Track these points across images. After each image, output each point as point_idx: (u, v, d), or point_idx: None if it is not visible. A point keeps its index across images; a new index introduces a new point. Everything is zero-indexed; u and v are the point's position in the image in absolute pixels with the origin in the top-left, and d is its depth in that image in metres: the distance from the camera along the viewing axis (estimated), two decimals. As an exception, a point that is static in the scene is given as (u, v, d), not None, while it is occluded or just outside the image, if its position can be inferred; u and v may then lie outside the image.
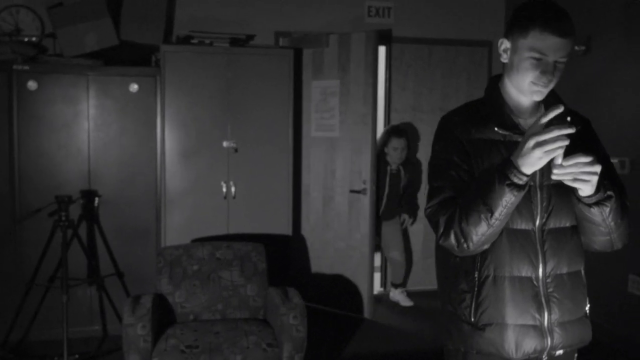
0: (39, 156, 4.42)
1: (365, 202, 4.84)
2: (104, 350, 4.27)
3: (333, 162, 5.05)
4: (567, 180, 1.52)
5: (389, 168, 5.21)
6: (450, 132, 1.75)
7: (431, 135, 5.56)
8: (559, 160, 1.48)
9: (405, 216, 5.41)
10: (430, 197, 1.74)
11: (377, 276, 5.65)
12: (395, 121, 5.58)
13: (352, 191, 4.92)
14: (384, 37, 5.46)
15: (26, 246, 4.38)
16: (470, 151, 1.70)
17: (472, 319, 1.72)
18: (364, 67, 4.76)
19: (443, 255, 1.81)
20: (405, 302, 5.36)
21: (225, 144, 4.67)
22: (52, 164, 4.45)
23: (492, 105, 1.75)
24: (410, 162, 5.40)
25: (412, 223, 5.62)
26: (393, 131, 5.22)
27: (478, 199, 1.58)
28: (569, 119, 1.52)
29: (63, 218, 3.90)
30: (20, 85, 4.34)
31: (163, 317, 3.45)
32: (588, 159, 1.48)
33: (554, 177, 1.51)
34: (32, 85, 4.37)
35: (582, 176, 1.50)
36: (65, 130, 4.46)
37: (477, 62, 5.72)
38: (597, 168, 1.50)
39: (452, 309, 1.78)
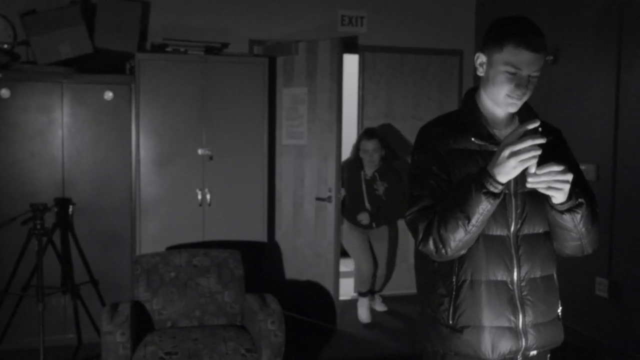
0: (12, 164, 4.39)
1: (330, 210, 4.86)
2: (80, 358, 4.26)
3: (302, 170, 5.09)
4: (541, 188, 1.61)
5: (362, 173, 5.04)
6: (429, 142, 1.82)
7: (403, 142, 5.63)
8: (532, 169, 1.57)
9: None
10: (409, 205, 1.81)
11: (349, 281, 5.72)
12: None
13: (317, 199, 4.96)
14: (357, 46, 5.55)
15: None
16: (449, 161, 1.78)
17: (450, 322, 1.79)
18: (330, 75, 4.81)
19: (422, 261, 1.88)
20: (381, 307, 5.41)
21: (200, 151, 4.70)
22: (25, 172, 4.42)
23: (468, 117, 1.83)
24: (391, 168, 5.10)
25: (392, 234, 5.52)
26: (364, 133, 5.08)
27: (456, 207, 1.66)
28: (539, 129, 1.60)
29: (38, 226, 3.88)
30: (-7, 93, 4.31)
31: (141, 324, 3.46)
32: (560, 168, 1.57)
33: (528, 185, 1.60)
34: (4, 93, 4.34)
35: (555, 184, 1.58)
36: (39, 138, 4.44)
37: (449, 71, 5.85)
38: (569, 177, 1.58)
39: (430, 312, 1.85)
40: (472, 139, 1.79)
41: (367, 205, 5.05)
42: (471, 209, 1.63)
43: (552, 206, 1.69)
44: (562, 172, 1.57)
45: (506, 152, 1.56)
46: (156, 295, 3.59)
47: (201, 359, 3.14)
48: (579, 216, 1.70)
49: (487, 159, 1.68)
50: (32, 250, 4.08)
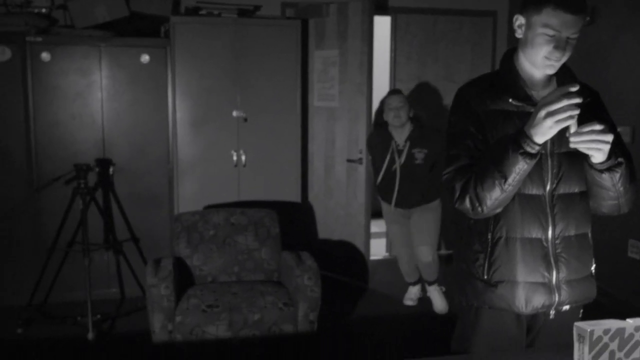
0: (54, 126, 4.53)
1: (361, 172, 4.94)
2: (123, 311, 4.45)
3: (333, 132, 5.16)
4: (582, 148, 1.65)
5: (393, 143, 4.28)
6: (466, 103, 1.87)
7: (435, 104, 5.63)
8: (573, 129, 1.61)
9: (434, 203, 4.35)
10: (447, 164, 1.87)
11: (380, 242, 5.82)
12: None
13: (348, 160, 5.03)
14: (387, 7, 5.54)
15: (44, 214, 4.53)
16: (485, 121, 1.83)
17: (485, 277, 1.87)
18: (361, 37, 4.83)
19: (458, 218, 1.95)
20: (441, 304, 4.47)
21: (234, 113, 4.78)
22: (67, 134, 4.57)
23: (506, 78, 1.87)
24: (427, 132, 4.30)
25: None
26: (387, 93, 4.49)
27: (493, 166, 1.72)
28: (575, 88, 1.64)
29: (82, 185, 4.03)
30: (34, 57, 4.43)
31: (182, 279, 3.61)
32: (601, 127, 1.61)
33: (571, 145, 1.64)
34: (45, 56, 4.46)
35: (596, 145, 1.62)
36: (79, 101, 4.57)
37: (482, 33, 5.81)
38: (609, 137, 1.62)
39: (466, 268, 1.93)
40: (510, 100, 1.83)
41: (397, 183, 4.28)
42: (508, 168, 1.69)
43: (592, 165, 1.74)
44: (603, 132, 1.61)
45: (542, 113, 1.61)
46: (196, 252, 3.73)
47: (241, 311, 3.28)
48: (617, 175, 1.74)
49: (524, 119, 1.73)
50: (76, 209, 4.25)
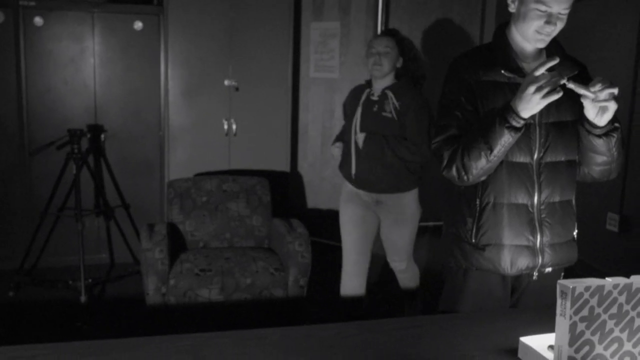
0: (46, 92, 4.54)
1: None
2: (113, 276, 4.52)
3: (332, 103, 5.23)
4: (596, 107, 1.73)
5: (366, 93, 3.24)
6: (459, 74, 1.95)
7: (427, 79, 5.62)
8: (582, 92, 1.69)
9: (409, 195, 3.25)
10: (436, 133, 1.96)
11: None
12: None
13: (348, 131, 5.11)
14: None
15: (35, 179, 4.56)
16: (477, 92, 1.91)
17: (473, 240, 1.97)
18: (365, 10, 4.89)
19: (447, 185, 2.05)
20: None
21: (226, 82, 4.82)
22: (59, 100, 4.58)
23: (498, 50, 1.95)
24: (405, 92, 3.18)
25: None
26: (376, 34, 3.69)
27: (480, 137, 1.81)
28: (556, 61, 1.72)
29: (76, 150, 4.06)
30: (27, 22, 4.43)
31: (175, 244, 3.69)
32: (607, 82, 1.69)
33: (587, 113, 1.74)
34: (38, 21, 4.45)
35: (605, 104, 1.71)
36: (72, 67, 4.58)
37: (472, 7, 5.86)
38: (616, 89, 1.71)
39: (455, 232, 2.03)
40: (502, 71, 1.91)
41: (357, 146, 3.19)
42: (494, 141, 1.78)
43: (589, 131, 1.83)
44: (611, 86, 1.70)
45: (531, 89, 1.69)
46: (189, 218, 3.80)
47: (233, 275, 3.37)
48: (613, 140, 1.84)
49: (515, 90, 1.81)
50: (67, 174, 4.28)
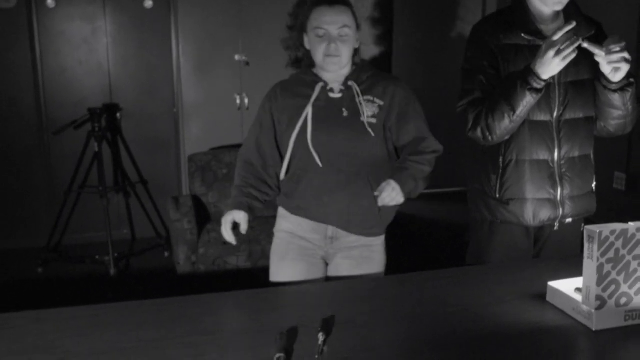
0: (61, 72, 4.63)
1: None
2: (137, 250, 4.66)
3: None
4: (612, 66, 1.84)
5: (317, 89, 2.06)
6: (481, 38, 2.05)
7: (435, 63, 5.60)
8: (597, 51, 1.80)
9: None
10: (461, 97, 2.07)
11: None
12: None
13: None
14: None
15: (54, 158, 4.68)
16: (499, 55, 2.02)
17: (497, 195, 2.10)
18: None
19: (472, 144, 2.16)
20: None
21: (237, 57, 4.89)
22: (74, 80, 4.67)
23: (518, 14, 2.05)
24: (380, 81, 2.10)
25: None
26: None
27: (502, 100, 1.92)
28: (573, 25, 1.82)
29: (97, 129, 4.17)
30: (39, 4, 4.50)
31: (199, 215, 3.81)
32: (619, 43, 1.81)
33: (606, 66, 1.84)
34: (50, 3, 4.53)
35: (625, 63, 1.82)
36: (85, 47, 4.66)
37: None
38: (626, 53, 1.81)
39: (480, 188, 2.15)
40: (522, 35, 2.01)
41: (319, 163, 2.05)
42: (516, 102, 1.90)
43: (605, 86, 1.94)
44: (624, 48, 1.81)
45: (551, 53, 1.80)
46: (211, 190, 3.93)
47: (259, 243, 3.51)
48: (628, 95, 1.96)
49: (535, 53, 1.92)
50: (87, 153, 4.39)
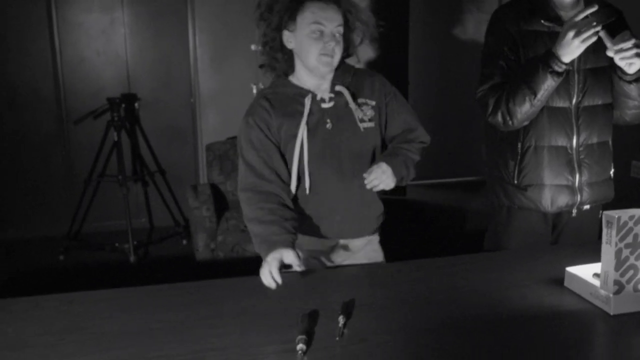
0: (80, 63, 4.69)
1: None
2: (155, 238, 4.72)
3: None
4: (625, 60, 1.85)
5: (307, 102, 1.85)
6: (502, 24, 2.06)
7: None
8: (609, 44, 1.81)
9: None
10: (481, 82, 2.08)
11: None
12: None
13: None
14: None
15: (72, 147, 4.74)
16: (519, 41, 2.03)
17: (516, 181, 2.11)
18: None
19: (491, 131, 2.18)
20: None
21: (253, 47, 4.92)
22: (92, 70, 4.73)
23: (538, 1, 2.05)
24: (366, 79, 1.94)
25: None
26: None
27: (524, 84, 1.93)
28: (594, 8, 1.83)
29: (116, 118, 4.22)
30: (58, -6, 4.56)
31: (217, 203, 3.86)
32: (631, 39, 1.82)
33: (616, 59, 1.85)
34: (69, -7, 4.58)
35: (631, 60, 1.84)
36: (103, 37, 4.71)
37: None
38: (638, 50, 1.82)
39: (498, 174, 2.17)
40: (541, 21, 2.02)
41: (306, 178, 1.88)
42: (537, 85, 1.91)
43: (621, 77, 1.95)
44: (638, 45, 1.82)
45: (570, 34, 1.81)
46: (229, 178, 3.97)
47: (277, 231, 3.54)
48: None
49: (554, 39, 1.93)
50: (107, 142, 4.45)
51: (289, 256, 1.66)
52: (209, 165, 4.02)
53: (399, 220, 5.04)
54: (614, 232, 1.51)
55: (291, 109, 1.83)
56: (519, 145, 2.10)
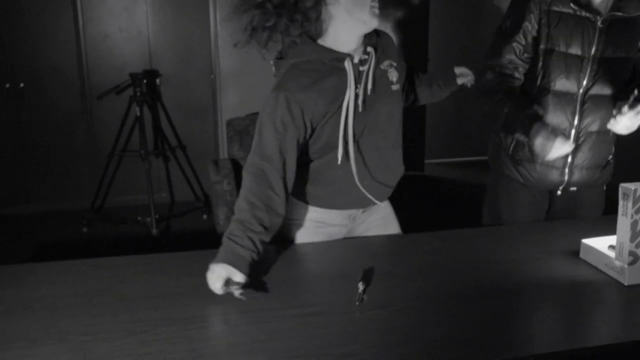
0: (103, 39, 4.74)
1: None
2: (176, 212, 4.80)
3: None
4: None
5: (347, 65, 1.73)
6: (527, 1, 2.00)
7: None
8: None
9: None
10: (488, 56, 2.06)
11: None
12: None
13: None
14: None
15: (95, 122, 4.82)
16: (543, 19, 1.98)
17: (510, 152, 2.13)
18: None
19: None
20: None
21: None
22: (115, 47, 4.78)
23: None
24: (387, 41, 1.89)
25: None
26: None
27: (505, 117, 1.98)
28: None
29: (138, 93, 4.28)
30: (81, -29, 4.60)
31: (238, 178, 3.91)
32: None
33: (614, 129, 1.94)
34: (91, -30, 4.62)
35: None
36: (125, 14, 4.75)
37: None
38: None
39: (498, 141, 2.18)
40: (570, 4, 1.96)
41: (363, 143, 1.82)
42: (514, 124, 1.98)
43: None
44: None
45: (554, 155, 1.85)
46: (248, 153, 4.00)
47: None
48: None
49: (579, 22, 1.92)
50: (127, 117, 4.51)
51: (236, 278, 1.50)
52: (229, 140, 4.05)
53: (417, 195, 5.10)
54: (630, 204, 1.54)
55: (329, 76, 1.70)
56: None
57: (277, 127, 1.70)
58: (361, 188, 1.79)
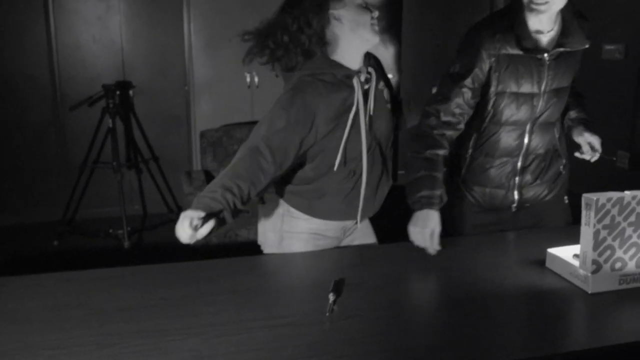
0: (75, 49, 4.72)
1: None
2: (148, 225, 4.77)
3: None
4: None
5: (355, 82, 1.83)
6: (477, 46, 1.97)
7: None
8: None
9: None
10: (434, 100, 2.02)
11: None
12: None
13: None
14: None
15: (69, 133, 4.78)
16: (493, 64, 1.98)
17: (463, 171, 2.18)
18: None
19: (467, 126, 2.20)
20: None
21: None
22: (88, 57, 4.76)
23: (517, 26, 1.95)
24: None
25: None
26: None
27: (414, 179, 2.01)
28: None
29: (111, 105, 4.26)
30: (53, -19, 4.57)
31: (211, 190, 3.91)
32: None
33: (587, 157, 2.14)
34: (64, -20, 4.59)
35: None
36: (99, 24, 4.73)
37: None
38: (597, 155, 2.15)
39: (455, 152, 2.20)
40: (518, 47, 1.94)
41: (367, 161, 1.93)
42: (410, 183, 2.02)
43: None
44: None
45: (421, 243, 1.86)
46: (222, 166, 4.01)
47: (270, 216, 3.60)
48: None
49: (527, 64, 1.96)
50: (101, 128, 4.48)
51: (201, 215, 1.58)
52: (203, 152, 4.07)
53: (390, 205, 5.09)
54: (592, 214, 1.58)
55: (340, 91, 1.79)
56: (469, 152, 2.14)
57: (290, 120, 1.74)
58: (361, 200, 1.93)
